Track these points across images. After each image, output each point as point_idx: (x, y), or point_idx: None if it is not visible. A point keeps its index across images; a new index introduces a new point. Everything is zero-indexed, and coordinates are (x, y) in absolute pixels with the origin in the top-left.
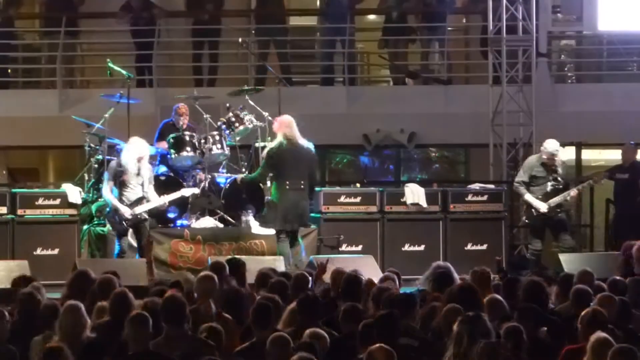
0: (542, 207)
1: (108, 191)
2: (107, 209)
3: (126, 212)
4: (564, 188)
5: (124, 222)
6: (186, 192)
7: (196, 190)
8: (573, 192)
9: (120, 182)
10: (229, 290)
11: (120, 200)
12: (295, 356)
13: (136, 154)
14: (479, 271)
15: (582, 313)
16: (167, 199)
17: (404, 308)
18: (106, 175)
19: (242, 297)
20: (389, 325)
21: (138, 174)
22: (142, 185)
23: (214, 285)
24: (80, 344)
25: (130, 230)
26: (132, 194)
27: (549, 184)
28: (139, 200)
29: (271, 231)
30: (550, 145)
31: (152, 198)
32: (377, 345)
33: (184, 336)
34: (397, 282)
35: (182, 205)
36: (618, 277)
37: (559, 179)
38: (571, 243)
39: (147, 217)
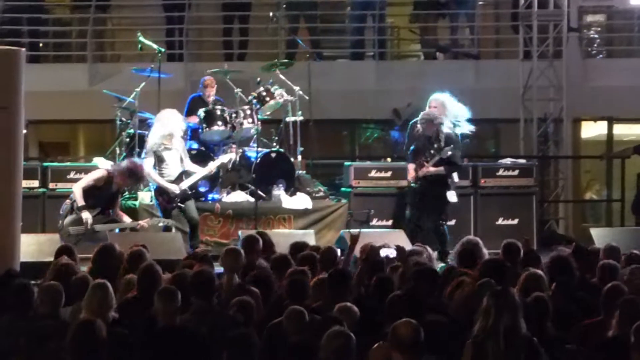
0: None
1: (151, 169)
2: (153, 188)
3: (175, 189)
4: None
5: (173, 201)
6: (224, 158)
7: (233, 156)
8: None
9: (158, 159)
10: (258, 266)
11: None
12: (331, 330)
13: (169, 128)
14: (510, 244)
15: (605, 288)
16: (213, 165)
17: (429, 283)
18: (144, 153)
19: (269, 274)
20: (415, 300)
21: (174, 148)
22: (181, 160)
23: (239, 259)
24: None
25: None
26: (172, 169)
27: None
28: (180, 176)
29: (301, 206)
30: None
31: (196, 169)
32: (403, 319)
33: (212, 310)
34: (427, 256)
35: (213, 180)
36: (635, 251)
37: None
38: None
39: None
